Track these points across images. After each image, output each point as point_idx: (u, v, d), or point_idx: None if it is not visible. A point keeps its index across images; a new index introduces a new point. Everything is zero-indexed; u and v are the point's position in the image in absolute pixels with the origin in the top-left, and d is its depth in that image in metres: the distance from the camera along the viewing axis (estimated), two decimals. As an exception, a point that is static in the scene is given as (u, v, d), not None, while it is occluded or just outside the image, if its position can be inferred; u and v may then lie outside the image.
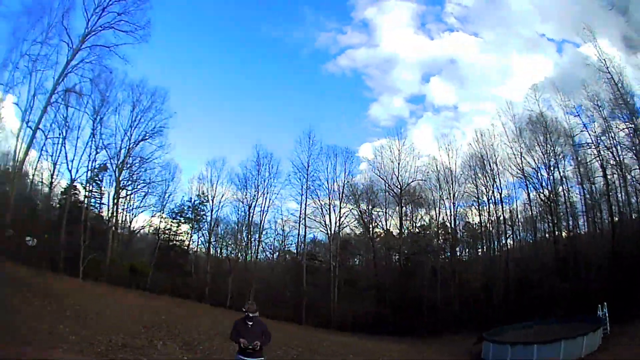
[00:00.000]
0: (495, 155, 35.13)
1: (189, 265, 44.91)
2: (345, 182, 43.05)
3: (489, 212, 35.12)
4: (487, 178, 35.17)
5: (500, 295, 29.92)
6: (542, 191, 32.33)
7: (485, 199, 35.17)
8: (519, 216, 35.07)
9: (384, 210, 40.52)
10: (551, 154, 31.62)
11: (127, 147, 40.90)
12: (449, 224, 37.37)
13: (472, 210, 36.72)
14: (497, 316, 26.44)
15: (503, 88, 51.20)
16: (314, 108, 63.53)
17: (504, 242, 35.16)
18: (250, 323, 7.59)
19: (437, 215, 38.23)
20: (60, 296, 16.55)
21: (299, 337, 21.25)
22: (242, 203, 44.31)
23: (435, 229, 38.01)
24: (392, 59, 67.58)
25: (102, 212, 43.10)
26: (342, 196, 42.30)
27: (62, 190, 40.44)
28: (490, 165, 35.05)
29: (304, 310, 36.06)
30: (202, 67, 70.11)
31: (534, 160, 32.54)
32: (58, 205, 41.28)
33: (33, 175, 38.80)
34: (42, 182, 40.20)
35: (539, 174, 32.44)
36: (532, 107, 33.77)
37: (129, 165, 41.76)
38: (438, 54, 62.79)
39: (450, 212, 37.64)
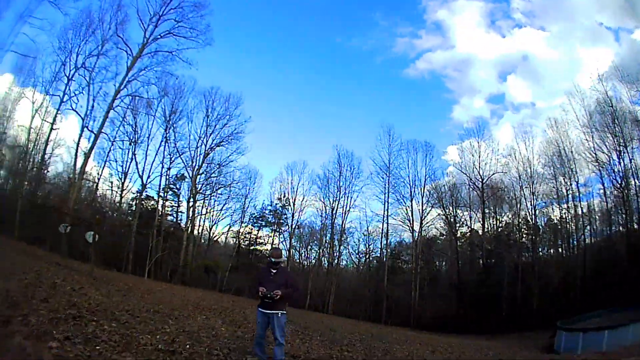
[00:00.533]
0: (570, 143, 36.92)
1: None
2: (427, 176, 44.33)
3: (567, 206, 36.65)
4: (565, 168, 36.76)
5: (578, 290, 31.45)
6: (614, 178, 33.80)
7: (564, 190, 36.93)
8: (596, 209, 36.37)
9: (468, 207, 42.31)
10: (621, 139, 33.12)
11: (203, 153, 43.69)
12: (530, 219, 38.86)
13: (552, 206, 38.41)
14: (576, 310, 27.29)
15: (573, 82, 49.97)
16: (394, 113, 68.74)
17: (581, 236, 36.17)
18: (274, 271, 7.54)
19: (518, 210, 39.79)
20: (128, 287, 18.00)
21: (376, 330, 22.83)
22: (324, 204, 45.70)
23: (517, 225, 39.72)
24: (468, 59, 70.39)
25: (178, 218, 46.34)
26: (424, 191, 43.97)
27: (134, 196, 43.80)
28: (566, 154, 36.90)
29: (384, 309, 38.42)
30: (280, 74, 75.39)
31: (606, 145, 34.14)
32: (129, 211, 44.49)
33: (97, 180, 41.50)
34: (111, 188, 43.62)
35: (610, 160, 33.95)
36: (599, 92, 34.98)
37: (205, 171, 44.57)
38: (511, 51, 64.72)
39: (531, 205, 38.88)
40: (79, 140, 35.38)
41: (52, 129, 35.52)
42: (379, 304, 38.73)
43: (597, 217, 35.85)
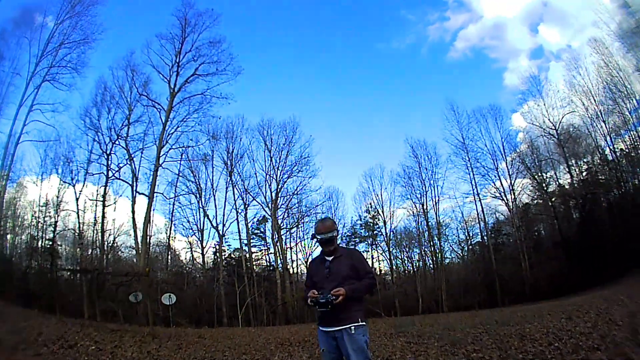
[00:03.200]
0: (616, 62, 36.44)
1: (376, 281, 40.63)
2: (504, 140, 44.03)
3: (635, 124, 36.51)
4: (621, 90, 36.22)
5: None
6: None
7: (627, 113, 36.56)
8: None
9: (550, 161, 41.72)
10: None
11: (276, 189, 43.89)
12: (609, 153, 38.88)
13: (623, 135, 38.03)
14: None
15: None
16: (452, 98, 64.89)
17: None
18: (329, 258, 5.14)
19: (596, 147, 39.65)
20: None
21: (498, 315, 21.04)
22: (413, 202, 45.14)
23: (599, 162, 39.76)
24: (499, 24, 71.30)
25: (270, 260, 46.01)
26: (505, 157, 43.72)
27: (214, 248, 44.34)
28: (618, 73, 36.19)
29: (498, 291, 37.94)
30: (330, 90, 75.45)
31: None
32: (212, 265, 45.08)
33: (168, 241, 43.57)
34: (190, 247, 45.04)
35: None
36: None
37: (282, 205, 44.60)
38: (531, 1, 65.76)
39: (606, 139, 38.55)
40: (132, 207, 36.61)
41: (104, 205, 37.28)
42: (492, 286, 39.25)
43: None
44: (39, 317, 18.53)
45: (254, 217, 44.73)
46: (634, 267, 27.49)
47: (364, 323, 4.89)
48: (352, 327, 4.77)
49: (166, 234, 42.34)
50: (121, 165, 37.11)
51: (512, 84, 70.62)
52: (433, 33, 73.16)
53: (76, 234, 37.14)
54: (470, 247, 46.91)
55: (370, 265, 4.87)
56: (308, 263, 5.92)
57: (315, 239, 5.13)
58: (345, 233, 46.66)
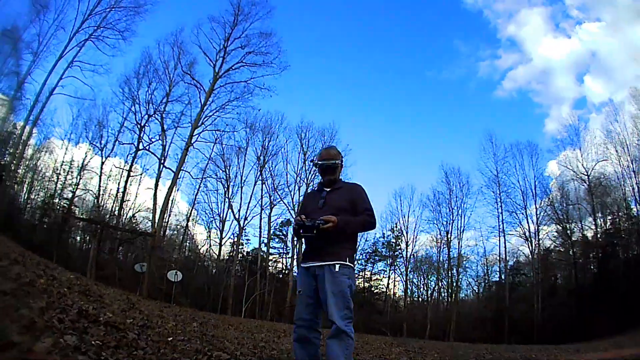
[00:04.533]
0: None
1: (385, 303, 46.71)
2: (536, 179, 43.91)
3: None
4: None
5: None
6: None
7: None
8: None
9: (577, 207, 41.78)
10: None
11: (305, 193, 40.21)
12: (634, 206, 38.88)
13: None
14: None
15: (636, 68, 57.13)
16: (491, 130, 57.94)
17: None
18: (327, 189, 4.71)
19: (624, 199, 39.61)
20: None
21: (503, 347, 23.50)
22: (438, 228, 44.91)
23: (624, 215, 39.79)
24: (547, 69, 74.20)
25: (288, 263, 45.94)
26: (535, 198, 43.58)
27: (233, 240, 44.63)
28: None
29: (506, 328, 38.07)
30: (375, 107, 76.88)
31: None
32: (229, 256, 45.07)
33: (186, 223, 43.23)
34: (208, 234, 44.42)
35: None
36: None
37: None
38: (580, 51, 65.64)
39: (632, 190, 38.51)
40: (157, 181, 36.88)
41: (129, 175, 38.01)
42: (500, 323, 39.92)
43: None
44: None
45: (278, 217, 44.97)
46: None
47: (351, 265, 4.37)
48: (337, 265, 4.23)
49: (186, 216, 44.21)
50: (153, 139, 37.14)
51: (552, 130, 72.76)
52: (483, 69, 75.10)
53: (95, 197, 38.16)
54: (486, 284, 47.64)
55: (369, 203, 4.18)
56: (305, 194, 5.14)
57: (316, 166, 4.78)
58: (366, 250, 47.09)
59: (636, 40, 56.22)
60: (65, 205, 37.69)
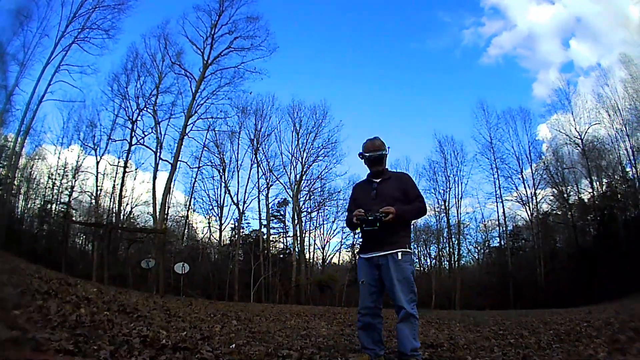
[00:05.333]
0: None
1: None
2: (530, 145, 44.76)
3: None
4: None
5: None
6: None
7: None
8: None
9: (573, 171, 42.70)
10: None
11: (300, 171, 44.42)
12: (630, 168, 39.75)
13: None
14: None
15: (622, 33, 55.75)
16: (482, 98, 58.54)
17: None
18: (377, 181, 4.87)
19: (619, 162, 40.33)
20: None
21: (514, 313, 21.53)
22: (436, 197, 45.70)
23: (620, 177, 40.54)
24: (532, 34, 75.41)
25: (287, 243, 47.05)
26: (531, 163, 44.62)
27: (233, 225, 45.28)
28: None
29: (511, 294, 38.55)
30: (363, 81, 79.42)
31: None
32: (230, 241, 45.95)
33: (187, 214, 43.67)
34: (208, 221, 45.05)
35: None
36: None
37: (305, 187, 45.40)
38: (564, 16, 67.35)
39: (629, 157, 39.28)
40: (154, 174, 37.72)
41: (124, 172, 38.41)
42: (505, 289, 40.42)
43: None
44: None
45: (275, 198, 46.99)
46: None
47: (411, 251, 4.67)
48: (399, 253, 4.51)
49: (185, 206, 44.74)
50: (146, 132, 38.26)
51: (540, 94, 78.46)
52: (468, 37, 76.37)
53: (92, 198, 38.80)
54: (487, 250, 48.45)
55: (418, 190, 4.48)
56: (352, 187, 5.33)
57: (362, 158, 4.87)
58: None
59: (622, 6, 56.67)
60: (63, 210, 37.91)
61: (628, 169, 39.67)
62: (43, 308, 4.82)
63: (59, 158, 37.93)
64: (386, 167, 4.96)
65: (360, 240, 4.82)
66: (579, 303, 28.91)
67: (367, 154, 4.79)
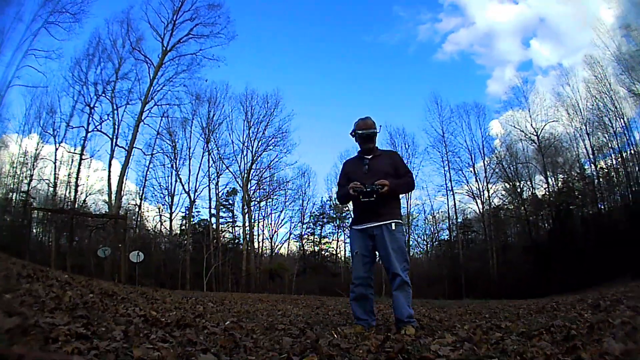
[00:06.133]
0: (607, 78, 37.74)
1: (338, 265, 47.54)
2: (484, 139, 45.14)
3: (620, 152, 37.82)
4: (609, 110, 37.51)
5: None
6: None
7: (612, 132, 38.06)
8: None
9: (526, 165, 43.21)
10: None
11: (251, 160, 44.15)
12: (589, 167, 40.69)
13: (606, 152, 39.59)
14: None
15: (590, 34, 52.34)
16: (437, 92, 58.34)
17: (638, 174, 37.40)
18: (368, 157, 5.07)
19: (577, 159, 41.35)
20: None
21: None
22: None
23: (577, 175, 41.40)
24: (491, 33, 76.61)
25: (235, 232, 47.55)
26: (484, 157, 44.86)
27: (184, 214, 44.89)
28: (607, 92, 37.61)
29: (463, 285, 39.26)
30: (312, 73, 76.28)
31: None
32: (181, 229, 45.77)
33: (139, 202, 42.96)
34: (159, 211, 44.24)
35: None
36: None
37: (254, 176, 44.75)
38: (527, 16, 65.54)
39: (587, 154, 40.12)
40: (110, 161, 37.26)
41: (81, 159, 37.41)
42: (457, 280, 40.94)
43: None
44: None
45: (225, 187, 46.58)
46: (605, 280, 27.77)
47: (402, 222, 4.91)
48: (393, 224, 4.71)
49: (138, 194, 43.62)
50: (103, 119, 37.55)
51: (495, 91, 75.37)
52: (423, 32, 74.73)
53: (50, 186, 37.57)
54: (436, 242, 48.82)
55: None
56: (343, 163, 5.36)
57: (354, 136, 5.05)
58: (313, 213, 48.15)
59: (593, 8, 56.41)
60: (22, 199, 36.86)
61: (586, 167, 40.70)
62: (32, 291, 4.64)
63: (19, 146, 37.10)
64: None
65: (352, 193, 4.72)
66: (535, 295, 28.46)
67: (360, 132, 4.98)
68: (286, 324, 5.20)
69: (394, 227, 4.69)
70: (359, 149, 5.16)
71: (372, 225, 4.74)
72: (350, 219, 4.98)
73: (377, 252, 4.91)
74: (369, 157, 5.01)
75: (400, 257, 4.65)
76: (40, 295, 4.42)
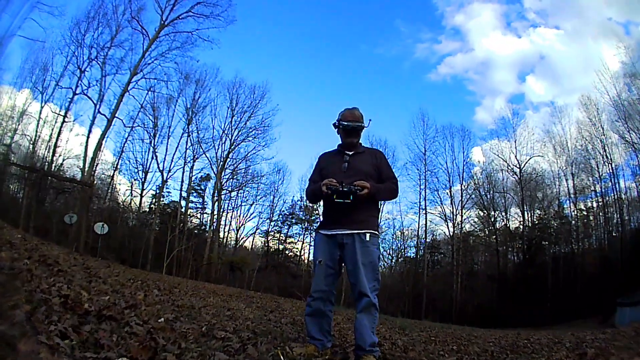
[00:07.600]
0: (601, 122, 38.39)
1: (300, 267, 47.12)
2: (465, 163, 44.96)
3: (602, 194, 38.36)
4: (597, 153, 38.08)
5: (621, 275, 31.68)
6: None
7: (597, 175, 38.25)
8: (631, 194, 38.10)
9: (503, 195, 43.32)
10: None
11: (229, 148, 43.85)
12: (568, 206, 41.02)
13: (587, 193, 40.01)
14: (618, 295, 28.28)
15: (590, 77, 59.60)
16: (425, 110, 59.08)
17: (618, 222, 37.69)
18: (350, 153, 4.40)
19: (557, 197, 41.60)
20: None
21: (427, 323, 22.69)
22: None
23: (555, 213, 41.57)
24: (487, 62, 77.89)
25: (203, 219, 46.70)
26: (462, 177, 44.64)
27: (154, 192, 44.02)
28: (598, 136, 38.27)
29: (424, 304, 39.55)
30: (305, 72, 77.52)
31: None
32: (150, 208, 44.89)
33: (113, 174, 42.17)
34: (131, 186, 43.38)
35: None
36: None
37: (230, 166, 44.49)
38: (528, 52, 67.16)
39: (568, 194, 40.46)
40: (90, 127, 36.58)
41: (64, 121, 36.57)
42: (418, 298, 41.01)
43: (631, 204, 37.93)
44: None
45: (199, 172, 44.43)
46: (571, 318, 28.38)
47: (378, 233, 4.22)
48: (367, 234, 4.03)
49: (113, 165, 42.10)
50: (92, 83, 36.41)
51: (482, 119, 77.17)
52: (420, 51, 75.27)
53: (31, 143, 36.69)
54: (401, 258, 48.39)
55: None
56: (318, 157, 4.62)
57: (337, 128, 4.41)
58: (283, 212, 47.82)
59: (595, 53, 56.78)
60: (3, 152, 36.02)
61: (565, 206, 40.98)
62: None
63: (9, 99, 36.31)
64: (360, 141, 4.54)
65: (325, 192, 4.00)
66: (497, 325, 28.61)
67: (345, 123, 4.30)
68: (229, 331, 4.64)
69: (367, 238, 4.00)
70: (340, 142, 4.48)
71: (343, 232, 4.03)
72: (319, 222, 4.33)
73: (344, 264, 4.18)
74: (350, 153, 4.33)
75: (371, 275, 3.98)
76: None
